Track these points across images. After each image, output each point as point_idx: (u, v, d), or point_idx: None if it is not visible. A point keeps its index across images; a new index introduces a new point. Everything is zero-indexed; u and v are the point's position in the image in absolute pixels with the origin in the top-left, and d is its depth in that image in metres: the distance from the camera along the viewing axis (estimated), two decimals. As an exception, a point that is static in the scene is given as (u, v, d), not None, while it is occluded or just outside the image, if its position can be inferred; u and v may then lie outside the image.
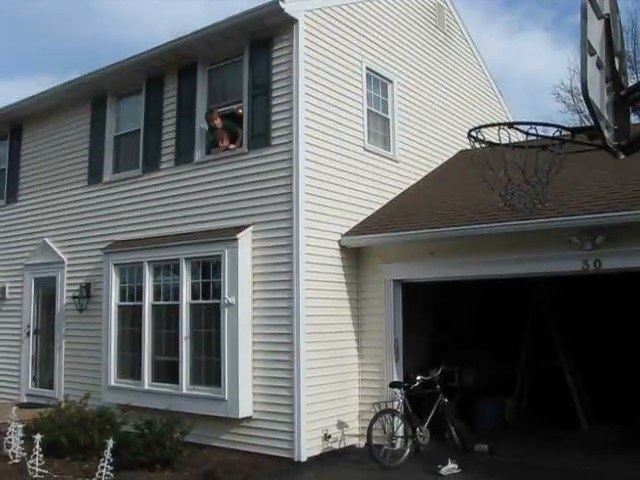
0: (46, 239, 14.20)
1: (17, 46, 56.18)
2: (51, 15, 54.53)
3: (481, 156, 5.43)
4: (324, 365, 10.30)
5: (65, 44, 57.03)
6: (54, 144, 14.45)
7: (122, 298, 12.14)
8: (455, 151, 14.38)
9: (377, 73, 12.20)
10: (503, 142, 5.16)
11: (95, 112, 13.56)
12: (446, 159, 14.02)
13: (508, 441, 10.80)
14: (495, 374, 12.44)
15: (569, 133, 5.72)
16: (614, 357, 12.69)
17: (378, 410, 9.82)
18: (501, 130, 5.15)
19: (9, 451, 9.85)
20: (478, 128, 5.36)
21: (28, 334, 14.41)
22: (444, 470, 9.05)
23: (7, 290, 15.11)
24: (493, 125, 5.32)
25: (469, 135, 5.42)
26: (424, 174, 13.23)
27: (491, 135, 5.47)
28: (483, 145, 5.44)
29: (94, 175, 13.37)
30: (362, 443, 10.35)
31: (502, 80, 35.14)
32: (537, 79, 48.48)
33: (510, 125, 5.25)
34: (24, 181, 15.10)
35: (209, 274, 10.88)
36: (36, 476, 8.87)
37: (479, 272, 10.14)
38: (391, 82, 12.54)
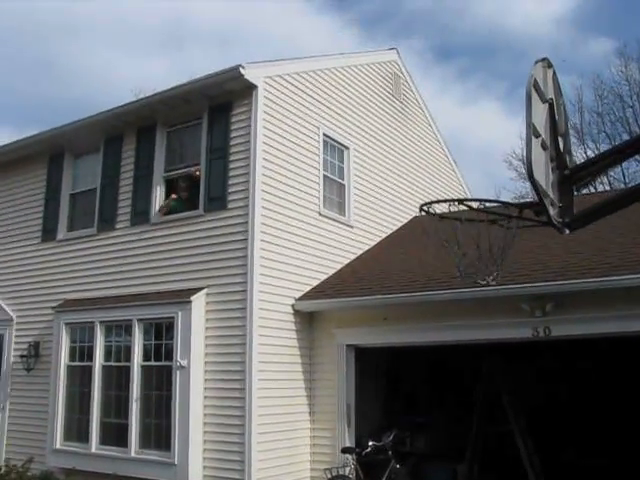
0: (-5, 295, 13.96)
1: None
2: (11, 68, 54.48)
3: (434, 229, 5.59)
4: (276, 430, 10.21)
5: (25, 99, 56.86)
6: (8, 199, 14.29)
7: (72, 358, 11.94)
8: (409, 217, 14.63)
9: (334, 139, 12.45)
10: (455, 216, 5.34)
11: (52, 169, 13.51)
12: (400, 225, 14.24)
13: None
14: (447, 439, 12.46)
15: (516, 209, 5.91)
16: (568, 421, 12.80)
17: (330, 476, 9.76)
18: (452, 205, 5.33)
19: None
20: (429, 203, 5.53)
21: (-28, 393, 14.04)
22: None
23: (-48, 347, 14.75)
24: (444, 201, 5.50)
25: (421, 209, 5.59)
26: (379, 239, 13.41)
27: (444, 207, 5.64)
28: (435, 217, 5.63)
29: (48, 232, 13.25)
30: (313, 511, 10.26)
31: (458, 147, 35.99)
32: (491, 147, 49.81)
33: (460, 201, 5.41)
34: (-25, 236, 14.89)
35: (162, 336, 10.80)
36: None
37: (432, 338, 10.25)
38: (347, 148, 12.79)
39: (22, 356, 12.93)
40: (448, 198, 5.89)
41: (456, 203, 5.50)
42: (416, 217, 14.35)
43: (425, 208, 5.69)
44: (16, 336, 13.39)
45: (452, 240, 5.53)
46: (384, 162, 14.05)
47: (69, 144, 13.19)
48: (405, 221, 14.44)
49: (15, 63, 53.89)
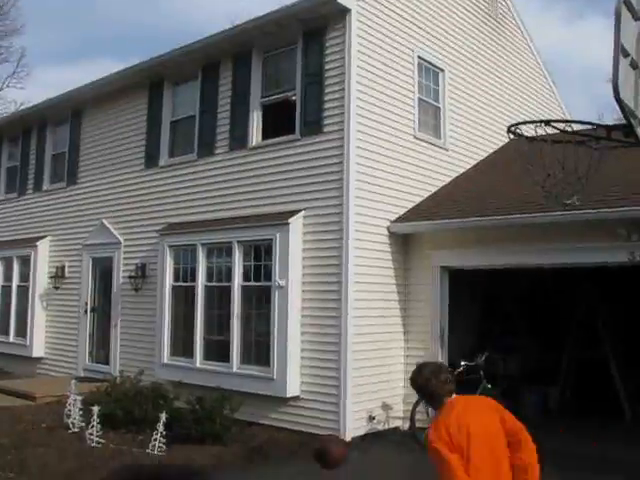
0: (104, 220, 14.68)
1: (82, 32, 57.50)
2: (114, 1, 55.59)
3: (523, 151, 5.58)
4: (370, 348, 10.53)
5: (128, 30, 58.13)
6: (113, 128, 14.90)
7: (176, 279, 12.53)
8: (506, 139, 14.36)
9: (429, 62, 12.31)
10: (542, 138, 5.30)
11: (152, 97, 13.94)
12: (497, 147, 14.06)
13: (551, 429, 10.84)
14: (540, 363, 12.52)
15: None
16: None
17: (422, 394, 9.98)
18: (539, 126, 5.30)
19: (69, 421, 10.36)
20: (515, 125, 5.51)
21: (86, 312, 14.95)
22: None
23: (66, 269, 15.68)
24: (531, 122, 5.46)
25: (508, 131, 5.57)
26: (474, 162, 13.32)
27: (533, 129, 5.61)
28: (522, 139, 5.59)
29: (151, 159, 13.77)
30: (406, 425, 10.57)
31: (560, 68, 34.64)
32: (596, 67, 47.62)
33: (547, 122, 5.36)
34: (84, 164, 15.60)
35: (261, 257, 11.19)
36: (94, 445, 9.33)
37: (525, 260, 10.23)
38: (442, 71, 12.63)
39: (130, 277, 13.64)
40: (535, 119, 5.80)
41: (542, 124, 5.46)
42: (512, 140, 14.10)
43: (512, 129, 5.67)
44: (124, 258, 14.11)
45: (537, 161, 5.50)
46: (480, 84, 13.81)
47: (168, 73, 13.53)
48: (501, 143, 14.22)
49: (113, -4, 54.93)
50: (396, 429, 10.79)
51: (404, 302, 11.32)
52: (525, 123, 5.55)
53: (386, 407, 10.75)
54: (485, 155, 13.70)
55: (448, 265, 11.03)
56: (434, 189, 12.08)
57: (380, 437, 10.37)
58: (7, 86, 31.41)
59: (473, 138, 13.43)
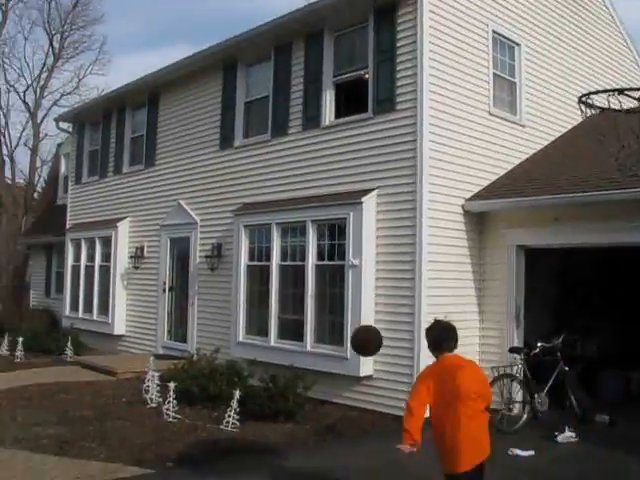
0: (181, 201, 14.96)
1: (161, 18, 58.60)
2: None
3: (596, 123, 5.40)
4: (444, 328, 10.41)
5: (206, 16, 58.92)
6: (188, 110, 15.14)
7: (251, 258, 12.68)
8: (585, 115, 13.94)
9: (504, 36, 12.01)
10: (615, 108, 5.11)
11: (226, 79, 14.09)
12: (575, 123, 13.65)
13: (631, 414, 10.55)
14: (620, 345, 12.16)
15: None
16: None
17: (496, 374, 9.87)
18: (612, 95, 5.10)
19: (147, 396, 10.67)
20: (587, 95, 5.32)
21: (164, 291, 15.30)
22: (561, 438, 9.04)
23: (145, 249, 16.08)
24: (603, 92, 5.27)
25: (579, 101, 5.39)
26: (552, 139, 12.95)
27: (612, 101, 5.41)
28: (594, 111, 5.40)
29: (226, 140, 13.93)
30: (480, 406, 10.43)
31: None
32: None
33: (620, 92, 5.16)
34: (161, 146, 15.92)
35: (334, 236, 11.21)
36: (170, 420, 9.58)
37: (604, 240, 9.91)
38: (518, 45, 12.30)
39: (206, 257, 13.89)
40: (608, 88, 5.58)
41: (616, 94, 5.26)
42: (587, 113, 13.67)
43: (584, 100, 5.48)
44: (201, 238, 14.38)
45: (611, 132, 5.30)
46: (558, 58, 13.38)
47: (242, 54, 13.65)
48: (580, 120, 13.80)
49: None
50: (470, 409, 10.67)
51: (479, 281, 11.17)
52: (597, 93, 5.37)
53: (460, 387, 10.64)
54: (563, 131, 13.30)
55: (524, 244, 10.82)
56: (510, 166, 11.83)
57: (454, 417, 10.26)
58: (90, 73, 32.37)
59: (550, 114, 13.05)
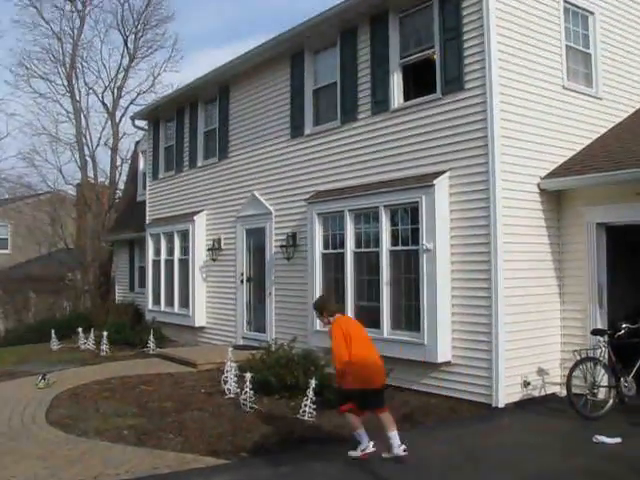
0: (255, 192, 15.03)
1: (233, 15, 59.30)
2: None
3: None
4: (523, 311, 10.15)
5: (277, 10, 59.27)
6: (258, 101, 15.18)
7: (325, 246, 12.64)
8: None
9: (576, 5, 11.50)
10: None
11: (294, 67, 14.05)
12: (658, 93, 13.03)
13: None
14: None
15: None
16: None
17: (579, 358, 9.52)
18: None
19: (226, 387, 10.78)
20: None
21: (242, 282, 15.43)
22: (651, 423, 8.68)
23: (222, 241, 16.25)
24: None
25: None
26: (632, 111, 12.37)
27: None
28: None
29: (296, 128, 13.90)
30: (564, 392, 10.08)
31: None
32: None
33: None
34: (233, 138, 16.02)
35: (407, 221, 11.05)
36: (247, 410, 9.64)
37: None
38: (592, 14, 11.77)
39: (282, 246, 13.91)
40: None
41: None
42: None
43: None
44: (275, 228, 14.42)
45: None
46: (635, 25, 12.76)
47: (308, 42, 13.57)
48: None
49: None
50: (553, 395, 10.38)
51: (558, 262, 10.81)
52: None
53: (542, 372, 10.36)
54: (644, 102, 12.71)
55: (604, 221, 10.40)
56: (587, 142, 11.35)
57: (536, 403, 10.01)
58: (164, 71, 32.89)
59: (631, 84, 12.44)
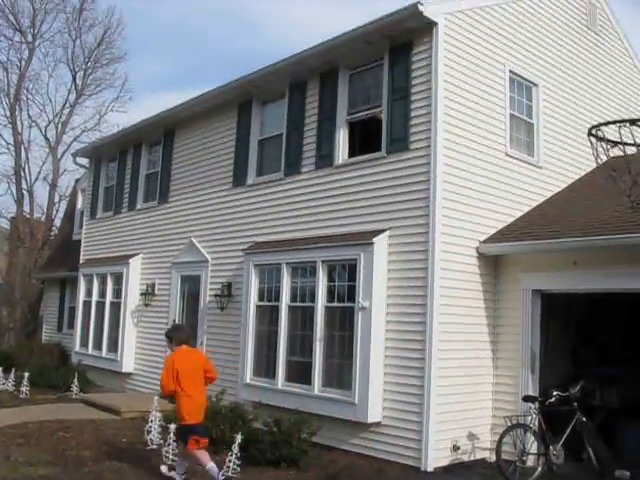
0: (193, 239, 14.79)
1: (187, 60, 59.45)
2: (212, 29, 57.16)
3: (602, 156, 5.14)
4: (456, 374, 10.08)
5: (228, 58, 59.74)
6: (203, 147, 15.06)
7: (260, 298, 12.44)
8: (604, 158, 13.63)
9: (521, 76, 11.80)
10: (628, 141, 4.85)
11: (241, 116, 14.00)
12: (595, 166, 13.33)
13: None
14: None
15: None
16: None
17: (510, 424, 9.47)
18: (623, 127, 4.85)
19: (148, 437, 10.38)
20: (597, 126, 5.07)
21: (174, 329, 15.01)
22: (578, 493, 8.62)
23: (156, 286, 15.89)
24: (614, 122, 5.01)
25: (589, 134, 5.14)
26: (570, 181, 12.64)
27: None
28: (604, 144, 5.14)
29: (239, 177, 13.78)
30: (493, 457, 9.99)
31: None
32: None
33: (633, 122, 4.90)
34: (175, 183, 15.83)
35: (345, 277, 10.94)
36: (170, 463, 9.24)
37: (626, 285, 9.54)
38: (536, 85, 12.08)
39: (216, 295, 13.64)
40: (618, 119, 5.32)
41: (628, 124, 5.00)
42: (613, 158, 13.37)
43: (594, 132, 5.23)
44: (211, 277, 14.16)
45: (622, 168, 5.05)
46: (577, 99, 13.11)
47: (256, 91, 13.56)
48: (601, 162, 13.49)
49: (214, 21, 56.34)
50: (483, 460, 10.27)
51: (493, 327, 10.82)
52: (608, 124, 5.11)
53: (472, 437, 10.26)
54: (582, 173, 12.99)
55: (540, 288, 10.48)
56: (526, 209, 11.54)
57: (465, 468, 9.88)
58: (111, 110, 32.57)
59: (569, 156, 12.76)
